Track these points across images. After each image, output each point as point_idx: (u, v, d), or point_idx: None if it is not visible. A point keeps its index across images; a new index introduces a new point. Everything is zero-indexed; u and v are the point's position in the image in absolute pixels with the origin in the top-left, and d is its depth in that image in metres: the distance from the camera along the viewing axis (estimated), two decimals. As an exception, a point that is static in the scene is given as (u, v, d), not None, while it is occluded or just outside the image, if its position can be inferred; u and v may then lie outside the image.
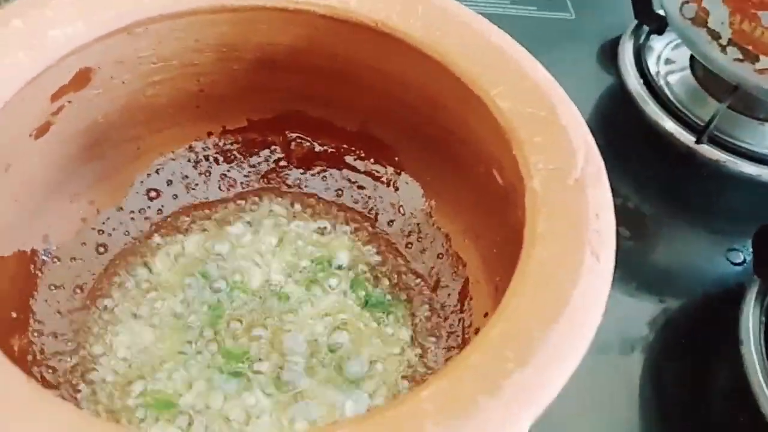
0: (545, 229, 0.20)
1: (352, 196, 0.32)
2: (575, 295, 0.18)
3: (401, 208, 0.32)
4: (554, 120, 0.23)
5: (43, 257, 0.27)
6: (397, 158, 0.32)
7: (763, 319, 0.32)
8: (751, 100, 0.41)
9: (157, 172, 0.31)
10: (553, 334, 0.17)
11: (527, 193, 0.21)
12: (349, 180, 0.32)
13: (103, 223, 0.29)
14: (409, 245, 0.31)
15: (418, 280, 0.30)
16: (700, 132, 0.40)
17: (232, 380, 0.26)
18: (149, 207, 0.30)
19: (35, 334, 0.25)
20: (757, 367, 0.30)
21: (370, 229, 0.32)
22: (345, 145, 0.32)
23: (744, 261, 0.37)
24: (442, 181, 0.30)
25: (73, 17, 0.24)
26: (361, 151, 0.32)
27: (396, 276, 0.30)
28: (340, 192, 0.32)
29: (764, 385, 0.29)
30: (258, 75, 0.29)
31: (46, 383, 0.24)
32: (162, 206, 0.31)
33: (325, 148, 0.32)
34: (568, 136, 0.22)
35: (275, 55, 0.28)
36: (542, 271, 0.19)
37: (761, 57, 0.37)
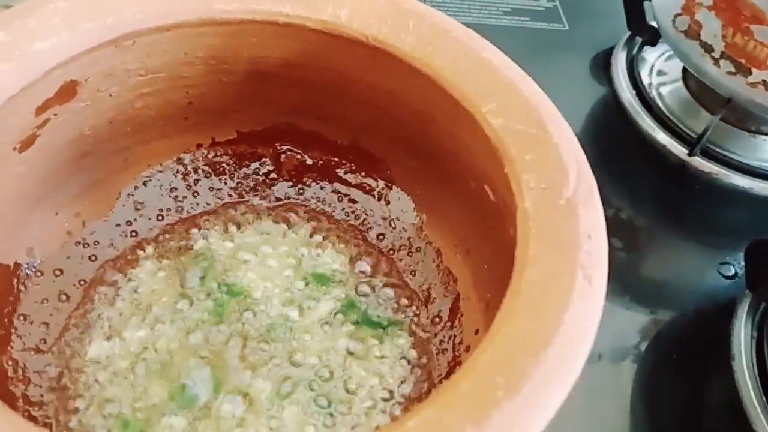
0: (536, 250, 0.20)
1: (342, 210, 0.32)
2: (567, 319, 0.18)
3: (392, 222, 0.31)
4: (546, 138, 0.22)
5: (27, 271, 0.27)
6: (388, 171, 0.31)
7: (755, 334, 0.32)
8: (744, 112, 0.41)
9: (144, 184, 0.30)
10: (544, 360, 0.17)
11: (519, 213, 0.21)
12: (340, 193, 0.32)
13: (89, 235, 0.29)
14: (400, 260, 0.31)
15: (410, 296, 0.30)
16: (692, 144, 0.40)
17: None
18: (136, 219, 0.30)
19: (17, 350, 0.25)
20: (749, 382, 0.30)
21: (360, 242, 0.31)
22: (336, 158, 0.32)
23: (735, 275, 0.37)
24: (434, 195, 0.30)
25: (59, 29, 0.23)
26: (353, 165, 0.32)
27: (387, 291, 0.30)
28: (330, 205, 0.32)
29: (755, 401, 0.29)
30: (248, 88, 0.29)
31: (27, 401, 0.24)
32: (149, 219, 0.30)
33: (316, 161, 0.32)
34: (560, 155, 0.22)
35: (266, 68, 0.28)
36: (533, 294, 0.18)
37: (754, 70, 0.37)
